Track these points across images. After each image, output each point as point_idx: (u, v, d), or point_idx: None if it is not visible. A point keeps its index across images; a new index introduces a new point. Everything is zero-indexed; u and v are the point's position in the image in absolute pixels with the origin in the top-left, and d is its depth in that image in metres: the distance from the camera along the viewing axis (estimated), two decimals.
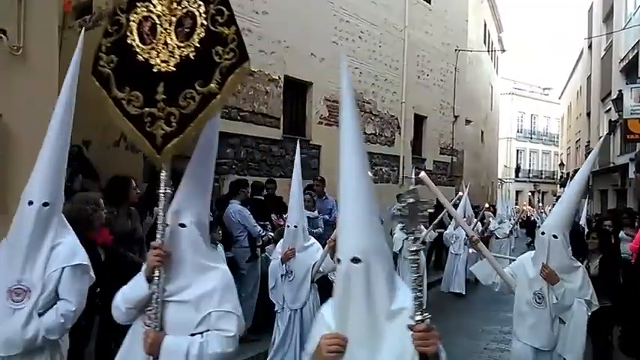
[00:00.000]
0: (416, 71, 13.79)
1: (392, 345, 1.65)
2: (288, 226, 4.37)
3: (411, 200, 1.58)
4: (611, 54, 17.39)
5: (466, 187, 10.15)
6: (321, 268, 4.23)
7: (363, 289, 1.68)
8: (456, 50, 15.94)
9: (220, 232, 5.28)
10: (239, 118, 8.38)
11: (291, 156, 9.57)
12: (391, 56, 12.68)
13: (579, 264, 3.53)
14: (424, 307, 1.56)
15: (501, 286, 3.67)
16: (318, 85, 10.30)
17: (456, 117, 16.23)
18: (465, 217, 9.39)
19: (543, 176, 41.70)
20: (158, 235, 2.16)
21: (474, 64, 19.80)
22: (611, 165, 16.49)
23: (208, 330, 2.15)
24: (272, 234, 6.33)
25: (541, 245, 3.41)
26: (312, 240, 4.46)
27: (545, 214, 11.22)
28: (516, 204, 31.13)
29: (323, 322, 1.85)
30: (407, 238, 7.55)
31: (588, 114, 22.40)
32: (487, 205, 9.54)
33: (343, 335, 1.69)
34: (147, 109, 2.11)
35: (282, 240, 4.55)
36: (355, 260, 1.68)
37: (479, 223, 9.47)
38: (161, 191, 2.19)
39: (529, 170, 41.61)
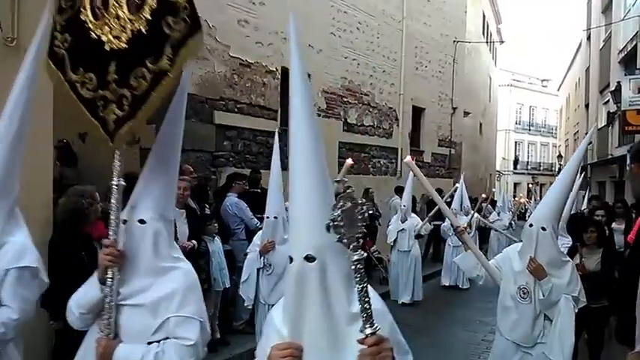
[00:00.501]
0: (414, 63, 13.73)
1: (355, 353, 1.44)
2: (267, 218, 4.24)
3: (345, 206, 1.39)
4: (609, 45, 17.34)
5: (451, 178, 10.36)
6: None
7: (318, 291, 1.51)
8: (454, 41, 15.87)
9: (217, 225, 5.27)
10: (236, 110, 8.34)
11: (289, 148, 9.56)
12: (389, 47, 12.61)
13: (568, 258, 3.40)
14: (373, 318, 1.39)
15: (486, 279, 3.56)
16: (316, 77, 10.24)
17: (454, 109, 16.19)
18: (461, 208, 9.37)
19: (541, 168, 41.75)
20: (110, 232, 1.97)
21: (473, 56, 19.72)
22: (609, 157, 16.50)
23: (167, 338, 1.95)
24: None
25: (529, 238, 3.27)
26: None
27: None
28: (514, 196, 31.20)
29: (273, 328, 1.63)
30: (402, 230, 7.49)
31: (587, 105, 22.38)
32: (484, 196, 9.44)
33: (297, 344, 1.50)
34: (100, 91, 1.93)
35: (260, 232, 4.51)
36: (309, 259, 1.51)
37: (477, 215, 9.39)
38: (114, 183, 2.00)
39: (527, 162, 41.64)
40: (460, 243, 9.36)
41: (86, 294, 2.03)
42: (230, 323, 5.81)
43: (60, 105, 4.06)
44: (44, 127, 3.88)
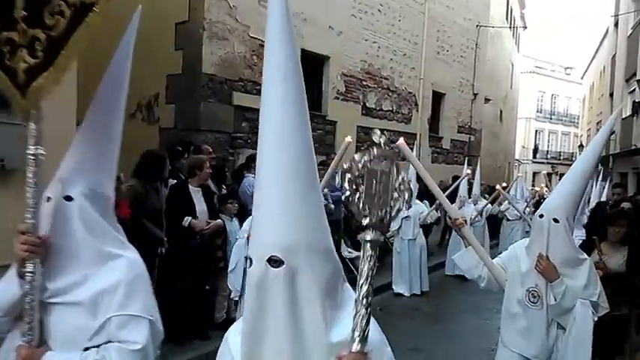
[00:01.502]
0: (435, 47, 13.50)
1: None
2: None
3: (377, 163, 1.08)
4: (638, 32, 16.81)
5: (469, 165, 9.64)
6: None
7: (285, 306, 1.14)
8: (477, 26, 15.54)
9: (237, 205, 5.29)
10: (255, 91, 8.30)
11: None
12: (410, 30, 12.41)
13: (585, 256, 2.80)
14: (366, 337, 1.12)
15: (488, 281, 2.98)
16: (335, 60, 10.14)
17: (475, 95, 15.93)
18: (470, 197, 9.13)
19: (561, 158, 41.04)
20: (27, 215, 1.55)
21: (495, 41, 19.32)
22: (633, 147, 16.12)
23: (109, 342, 1.57)
24: None
25: (538, 231, 2.74)
26: None
27: None
28: (533, 185, 30.76)
29: (227, 352, 1.32)
30: (406, 217, 7.23)
31: (611, 95, 21.83)
32: (504, 185, 9.02)
33: None
34: (5, 33, 1.48)
35: (250, 218, 4.22)
36: (273, 262, 1.14)
37: (489, 205, 9.15)
38: (30, 152, 1.58)
39: (547, 151, 40.96)
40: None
41: (4, 292, 1.60)
42: None
43: (83, 85, 4.09)
44: (69, 105, 3.90)
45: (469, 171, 8.93)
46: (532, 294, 2.74)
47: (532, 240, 2.83)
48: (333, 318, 1.17)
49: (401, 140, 2.87)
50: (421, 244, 7.75)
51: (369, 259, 1.11)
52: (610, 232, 3.90)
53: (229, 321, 5.25)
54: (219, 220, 4.87)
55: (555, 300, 2.66)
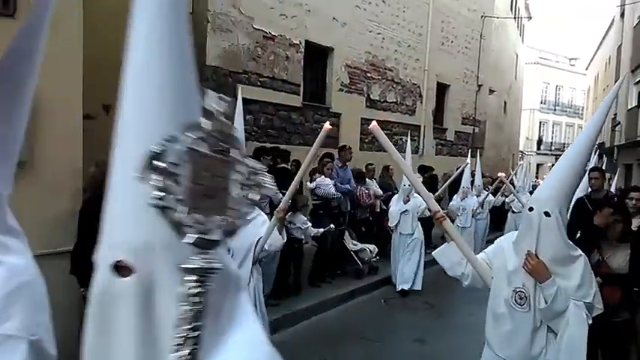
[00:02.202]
0: (440, 38, 13.42)
1: None
2: None
3: (198, 143, 0.70)
4: None
5: (473, 157, 9.23)
6: (266, 246, 3.48)
7: (136, 332, 0.83)
8: (482, 17, 15.43)
9: None
10: (259, 83, 8.29)
11: (310, 124, 9.50)
12: (415, 21, 12.33)
13: (579, 252, 2.50)
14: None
15: (473, 279, 2.73)
16: (340, 51, 10.10)
17: (479, 86, 15.85)
18: (472, 188, 8.92)
19: (565, 149, 40.85)
20: None
21: (500, 32, 19.17)
22: (639, 138, 16.03)
23: None
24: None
25: (527, 226, 2.47)
26: (257, 211, 3.64)
27: None
28: (537, 177, 30.68)
29: None
30: (405, 211, 6.96)
31: None
32: (502, 175, 8.45)
33: None
34: None
35: None
36: (121, 270, 0.84)
37: (490, 196, 9.04)
38: None
39: (551, 143, 40.80)
40: (469, 224, 9.06)
41: None
42: None
43: (86, 77, 4.09)
44: (74, 97, 3.91)
45: (468, 160, 8.56)
46: (519, 295, 2.48)
47: (520, 235, 2.54)
48: (209, 348, 0.80)
49: (374, 123, 2.51)
50: (420, 239, 7.36)
51: (192, 300, 0.73)
52: (612, 227, 3.64)
53: None
54: None
55: (546, 302, 2.39)
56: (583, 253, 2.51)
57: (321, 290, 6.65)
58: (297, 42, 8.97)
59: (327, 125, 3.07)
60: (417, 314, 6.32)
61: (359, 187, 7.82)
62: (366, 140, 10.97)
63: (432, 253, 2.99)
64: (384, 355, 4.93)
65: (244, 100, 7.97)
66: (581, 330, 2.38)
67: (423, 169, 10.19)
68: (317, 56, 9.77)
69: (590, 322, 2.42)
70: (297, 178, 3.34)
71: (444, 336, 5.49)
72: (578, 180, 2.53)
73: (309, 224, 6.40)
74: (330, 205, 6.93)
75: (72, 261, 3.76)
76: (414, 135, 12.87)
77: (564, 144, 41.36)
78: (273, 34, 8.45)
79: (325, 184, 6.84)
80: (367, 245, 7.79)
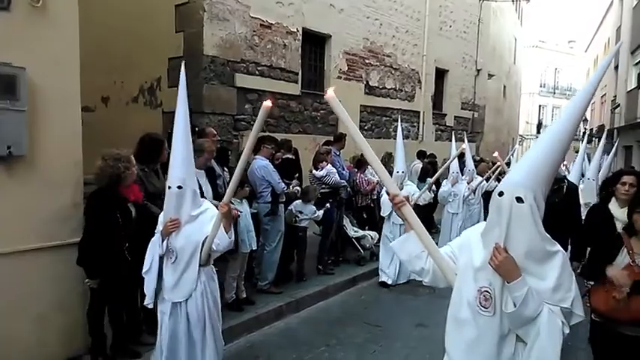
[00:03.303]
0: (438, 22, 13.31)
1: None
2: (169, 188, 3.09)
3: None
4: None
5: (463, 141, 8.65)
6: (214, 245, 3.08)
7: None
8: (480, 0, 15.30)
9: (248, 189, 5.32)
10: (257, 72, 8.25)
11: (309, 112, 9.47)
12: (412, 7, 12.22)
13: (557, 248, 2.07)
14: None
15: (434, 276, 2.30)
16: (337, 38, 10.03)
17: (478, 71, 15.76)
18: (462, 173, 8.50)
19: None
20: None
21: (498, 16, 19.02)
22: (638, 120, 15.99)
23: None
24: (299, 187, 6.38)
25: (496, 214, 2.05)
26: (206, 205, 3.26)
27: (567, 170, 9.36)
28: None
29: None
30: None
31: (616, 67, 21.56)
32: (496, 154, 7.75)
33: None
34: None
35: (162, 213, 3.32)
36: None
37: (484, 182, 8.77)
38: None
39: None
40: (460, 210, 8.20)
41: None
42: (256, 283, 5.94)
43: (84, 70, 4.08)
44: (72, 90, 3.90)
45: (465, 145, 8.06)
46: (484, 295, 2.07)
47: (489, 225, 2.12)
48: None
49: (330, 92, 2.20)
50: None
51: None
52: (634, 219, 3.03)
53: (238, 302, 5.32)
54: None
55: (515, 306, 1.98)
56: (561, 249, 2.06)
57: (324, 277, 6.70)
58: (295, 30, 8.91)
59: (266, 103, 2.53)
60: (419, 299, 6.37)
61: (359, 175, 7.82)
62: (366, 127, 10.95)
63: (391, 244, 2.51)
64: (387, 340, 4.99)
65: (243, 89, 7.97)
66: (554, 340, 1.96)
67: (422, 155, 10.17)
68: (315, 44, 9.71)
69: (568, 331, 2.00)
70: (240, 165, 2.84)
71: (445, 319, 5.53)
72: (559, 161, 2.10)
73: (318, 213, 6.43)
74: (338, 193, 6.96)
75: (79, 252, 3.79)
76: (414, 121, 12.84)
77: None
78: (271, 22, 8.39)
79: (334, 172, 6.87)
80: (368, 232, 7.82)
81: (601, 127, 23.85)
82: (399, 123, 7.06)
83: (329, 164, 6.88)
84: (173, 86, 7.77)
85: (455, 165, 8.19)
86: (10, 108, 3.38)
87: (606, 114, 24.64)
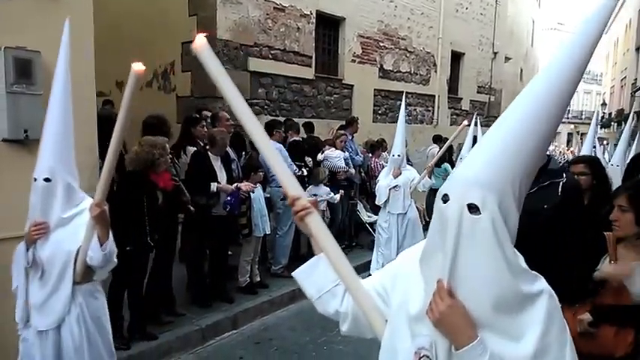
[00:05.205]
0: (454, 4, 13.05)
1: None
2: (35, 180, 2.44)
3: None
4: None
5: (476, 124, 7.67)
6: (87, 259, 2.37)
7: None
8: None
9: (262, 174, 5.33)
10: (270, 56, 8.19)
11: (323, 96, 9.41)
12: None
13: (541, 286, 1.23)
14: None
15: (355, 323, 1.48)
16: (352, 21, 9.90)
17: (495, 54, 15.47)
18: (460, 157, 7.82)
19: (583, 117, 40.09)
20: None
21: None
22: None
23: None
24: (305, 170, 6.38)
25: (438, 230, 1.25)
26: (87, 203, 2.44)
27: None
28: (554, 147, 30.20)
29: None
30: (395, 187, 5.88)
31: (638, 49, 21.01)
32: (463, 123, 6.52)
33: None
34: None
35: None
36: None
37: None
38: None
39: (569, 110, 39.95)
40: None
41: None
42: (269, 267, 5.99)
43: (99, 55, 4.08)
44: (87, 74, 3.91)
45: (466, 122, 6.97)
46: (426, 356, 1.26)
47: (428, 248, 1.29)
48: None
49: (200, 39, 1.40)
50: (412, 218, 6.11)
51: None
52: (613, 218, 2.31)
53: (252, 285, 5.37)
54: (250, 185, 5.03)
55: None
56: (548, 288, 1.23)
57: None
58: (308, 12, 8.81)
59: (135, 67, 1.90)
60: None
61: (373, 160, 7.78)
62: (379, 112, 10.86)
63: (293, 273, 1.59)
64: None
65: (256, 73, 7.93)
66: None
67: (437, 139, 10.06)
68: (328, 27, 9.60)
69: None
70: (111, 152, 2.10)
71: None
72: (542, 144, 1.21)
73: (332, 194, 6.40)
74: (335, 177, 6.89)
75: None
76: (429, 105, 12.69)
77: (581, 111, 40.57)
78: (284, 5, 8.30)
79: (333, 156, 6.81)
80: None
81: (620, 112, 23.35)
82: (403, 103, 6.38)
83: (332, 148, 6.85)
84: (187, 71, 7.78)
85: (466, 148, 7.49)
86: (26, 92, 3.40)
87: (626, 98, 24.09)
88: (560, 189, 2.88)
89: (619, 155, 6.44)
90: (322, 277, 1.52)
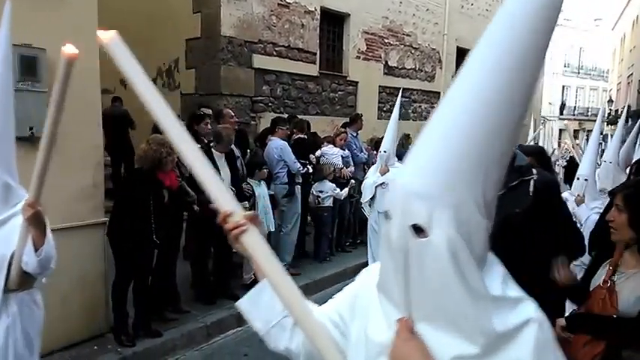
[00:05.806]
0: (459, 0, 12.99)
1: None
2: None
3: None
4: None
5: None
6: (22, 265, 2.11)
7: None
8: None
9: (266, 170, 5.32)
10: (274, 53, 8.18)
11: (327, 93, 9.39)
12: None
13: (527, 314, 0.90)
14: None
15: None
16: (356, 17, 9.87)
17: None
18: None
19: (589, 114, 39.84)
20: None
21: None
22: None
23: None
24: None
25: (388, 255, 0.97)
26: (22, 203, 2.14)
27: (581, 150, 8.03)
28: (559, 144, 30.09)
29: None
30: (382, 184, 5.54)
31: None
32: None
33: None
34: None
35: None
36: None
37: None
38: None
39: (574, 107, 39.76)
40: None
41: None
42: None
43: (103, 52, 4.07)
44: (92, 72, 3.90)
45: None
46: None
47: (383, 274, 1.03)
48: None
49: (105, 34, 1.17)
50: None
51: None
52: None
53: (257, 282, 5.36)
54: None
55: None
56: (537, 316, 0.91)
57: (342, 259, 6.71)
58: (313, 9, 8.78)
59: (67, 50, 1.63)
60: None
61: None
62: (384, 109, 10.83)
63: (236, 303, 1.33)
64: None
65: (261, 71, 7.92)
66: None
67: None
68: (333, 23, 9.57)
69: None
70: (44, 144, 1.93)
71: None
72: (510, 136, 0.90)
73: (339, 189, 6.38)
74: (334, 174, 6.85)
75: (110, 225, 3.93)
76: (434, 102, 12.64)
77: (588, 108, 40.32)
78: (288, 1, 8.28)
79: (330, 153, 6.78)
80: None
81: (627, 108, 23.21)
82: (399, 99, 6.27)
83: (330, 145, 6.82)
84: (191, 67, 7.78)
85: None
86: (32, 89, 3.40)
87: (632, 94, 23.95)
88: (531, 188, 2.52)
89: (612, 152, 6.10)
90: (269, 307, 1.24)
